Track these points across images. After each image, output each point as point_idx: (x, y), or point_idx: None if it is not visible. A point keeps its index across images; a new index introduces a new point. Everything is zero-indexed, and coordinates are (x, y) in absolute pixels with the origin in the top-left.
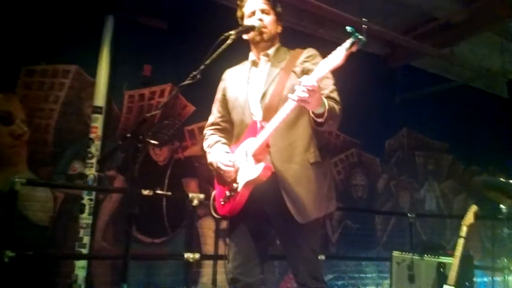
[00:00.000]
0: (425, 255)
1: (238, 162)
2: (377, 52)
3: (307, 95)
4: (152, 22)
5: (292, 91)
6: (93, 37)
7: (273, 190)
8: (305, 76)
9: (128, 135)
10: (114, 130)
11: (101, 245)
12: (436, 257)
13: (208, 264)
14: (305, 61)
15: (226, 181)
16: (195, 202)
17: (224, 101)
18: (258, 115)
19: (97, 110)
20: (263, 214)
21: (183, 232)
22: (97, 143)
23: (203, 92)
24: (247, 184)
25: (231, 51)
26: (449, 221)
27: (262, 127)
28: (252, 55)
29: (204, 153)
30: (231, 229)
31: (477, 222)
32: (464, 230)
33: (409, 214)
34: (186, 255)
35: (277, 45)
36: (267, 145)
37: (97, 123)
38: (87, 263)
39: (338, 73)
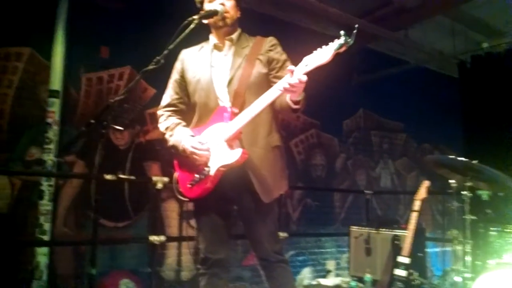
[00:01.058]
0: (381, 229)
1: (210, 146)
2: (335, 35)
3: (298, 86)
4: (109, 2)
5: (258, 78)
6: (47, 18)
7: (240, 172)
8: (296, 68)
9: (92, 121)
10: (73, 115)
11: (63, 231)
12: (391, 230)
13: (172, 246)
14: (269, 50)
15: (193, 164)
16: (159, 185)
17: (183, 83)
18: (225, 100)
19: (54, 94)
20: (227, 195)
21: (146, 215)
22: (55, 128)
23: (164, 74)
24: (221, 168)
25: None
26: (402, 197)
27: (233, 113)
28: (213, 39)
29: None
30: (199, 211)
31: (429, 197)
32: (417, 204)
33: (365, 191)
34: (151, 237)
35: (239, 30)
36: (241, 131)
37: (54, 108)
38: (49, 250)
39: (298, 56)
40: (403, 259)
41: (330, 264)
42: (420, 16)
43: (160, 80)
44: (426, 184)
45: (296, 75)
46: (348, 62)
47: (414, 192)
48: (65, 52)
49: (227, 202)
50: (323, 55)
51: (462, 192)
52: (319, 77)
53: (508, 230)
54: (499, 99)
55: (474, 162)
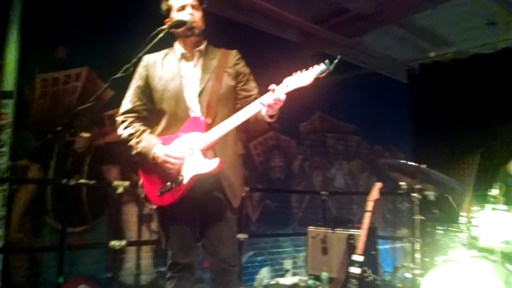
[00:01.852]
0: (337, 229)
1: (183, 155)
2: (293, 39)
3: (278, 103)
4: (66, 1)
5: (227, 90)
6: None
7: (211, 179)
8: (278, 87)
9: (59, 128)
10: (27, 117)
11: (17, 237)
12: (346, 230)
13: (131, 250)
14: (236, 64)
15: (161, 172)
16: (120, 189)
17: (147, 90)
18: (196, 111)
19: (7, 95)
20: (196, 201)
21: (105, 219)
22: (8, 130)
23: (123, 76)
24: (195, 176)
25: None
26: (355, 196)
27: (207, 124)
28: (180, 48)
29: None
30: (167, 217)
31: (380, 197)
32: (370, 205)
33: (322, 192)
34: (113, 242)
35: (205, 41)
36: (216, 142)
37: (7, 109)
38: (3, 257)
39: (257, 59)
40: (357, 257)
41: (288, 264)
42: (374, 24)
43: (118, 82)
44: (378, 185)
45: (277, 94)
46: (305, 66)
47: (366, 192)
48: (19, 52)
49: (195, 208)
50: (304, 78)
51: (412, 194)
52: (277, 81)
53: (453, 229)
54: (445, 105)
55: (423, 166)
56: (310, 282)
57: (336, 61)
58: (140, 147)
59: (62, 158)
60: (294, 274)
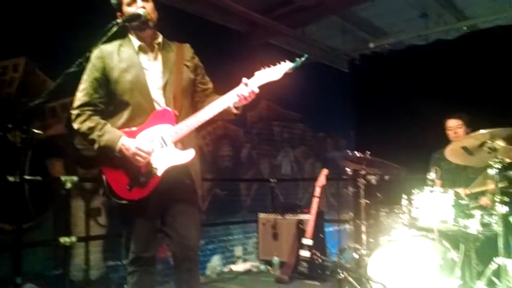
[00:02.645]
0: (286, 215)
1: (154, 147)
2: (240, 29)
3: (251, 96)
4: None
5: (188, 83)
6: None
7: (180, 170)
8: (249, 81)
9: (9, 125)
10: None
11: None
12: (296, 215)
13: (79, 245)
14: (193, 57)
15: (128, 165)
16: (68, 185)
17: (105, 82)
18: (161, 103)
19: None
20: (159, 193)
21: (50, 215)
22: None
23: (63, 67)
24: (169, 168)
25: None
26: (300, 182)
27: (175, 116)
28: (136, 41)
29: (70, 132)
30: (133, 210)
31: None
32: (318, 191)
33: (271, 180)
34: (62, 239)
35: (160, 35)
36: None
37: None
38: None
39: (203, 49)
40: (306, 241)
41: (238, 250)
42: (316, 15)
43: (59, 72)
44: (325, 172)
45: (250, 87)
46: (251, 56)
47: (312, 178)
48: None
49: (159, 200)
50: (275, 73)
51: (358, 179)
52: (224, 70)
53: (395, 211)
54: (384, 93)
55: (367, 153)
56: (262, 267)
57: (303, 59)
58: (104, 140)
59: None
60: (245, 261)
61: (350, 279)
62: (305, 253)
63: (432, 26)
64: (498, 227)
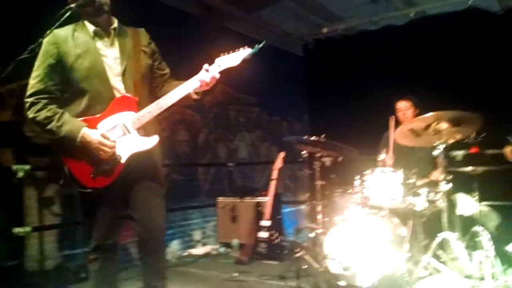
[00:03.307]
0: (245, 198)
1: (112, 134)
2: (194, 12)
3: (212, 81)
4: None
5: (146, 69)
6: None
7: (144, 155)
8: (210, 67)
9: None
10: None
11: None
12: (254, 198)
13: (33, 235)
14: (150, 43)
15: (91, 154)
16: (21, 174)
17: (60, 68)
18: (121, 90)
19: None
20: (129, 179)
21: (2, 205)
22: None
23: (8, 52)
24: (132, 155)
25: None
26: (256, 166)
27: (137, 102)
28: (91, 26)
29: (18, 119)
30: (96, 199)
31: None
32: (275, 174)
33: (228, 164)
34: (17, 229)
35: (116, 20)
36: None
37: None
38: None
39: (158, 32)
40: (265, 223)
41: (197, 235)
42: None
43: (4, 57)
44: (281, 155)
45: (211, 73)
46: (208, 40)
47: (268, 161)
48: None
49: (122, 186)
50: (234, 59)
51: (314, 162)
52: (181, 55)
53: (349, 191)
54: (337, 77)
55: (322, 136)
56: (222, 249)
57: (260, 45)
58: (64, 131)
59: None
60: (204, 244)
61: (307, 257)
62: (263, 234)
63: (382, 11)
64: (442, 204)
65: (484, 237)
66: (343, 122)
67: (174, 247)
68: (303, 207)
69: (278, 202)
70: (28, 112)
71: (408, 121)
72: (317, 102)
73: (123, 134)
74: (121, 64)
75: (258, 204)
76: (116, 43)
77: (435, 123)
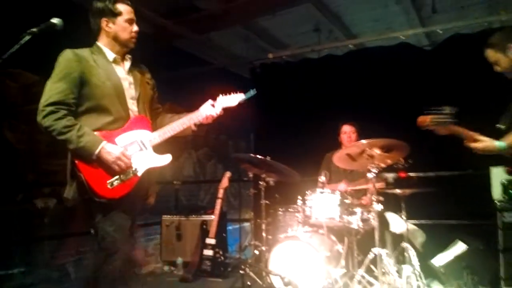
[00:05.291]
0: (191, 216)
1: (129, 149)
2: (146, 31)
3: (215, 117)
4: None
5: (151, 98)
6: None
7: (148, 174)
8: (215, 103)
9: None
10: None
11: None
12: (199, 216)
13: None
14: (151, 78)
15: (110, 167)
16: None
17: (80, 84)
18: (135, 112)
19: None
20: (138, 194)
21: None
22: None
23: None
24: (148, 169)
25: None
26: (202, 184)
27: (150, 124)
28: (110, 52)
29: None
30: (112, 210)
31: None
32: (221, 192)
33: (175, 182)
34: None
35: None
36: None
37: None
38: None
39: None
40: (210, 241)
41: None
42: (223, 24)
43: None
44: (227, 174)
45: (217, 109)
46: (158, 59)
47: (214, 179)
48: None
49: (137, 201)
50: (233, 100)
51: (259, 182)
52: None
53: (291, 210)
54: (282, 101)
55: (268, 158)
56: (166, 268)
57: (252, 92)
58: (84, 141)
59: None
60: (146, 263)
61: (251, 273)
62: (208, 252)
63: (324, 41)
64: (375, 222)
65: (411, 253)
66: (287, 144)
67: None
68: (247, 224)
69: (223, 220)
70: (45, 120)
71: (345, 147)
72: (262, 123)
73: (140, 150)
74: (135, 89)
75: (204, 222)
76: (130, 71)
77: (369, 149)
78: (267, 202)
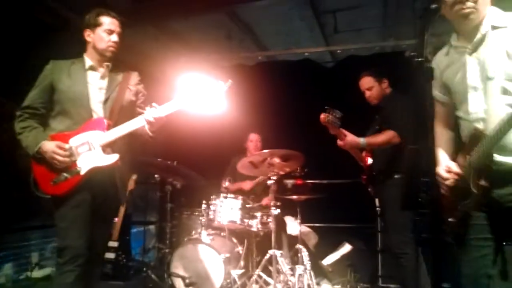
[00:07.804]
0: None
1: (80, 149)
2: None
3: (158, 121)
4: None
5: (128, 103)
6: None
7: (107, 173)
8: (158, 107)
9: None
10: None
11: None
12: None
13: None
14: (138, 84)
15: (52, 164)
16: None
17: (51, 90)
18: (99, 114)
19: None
20: (94, 191)
21: None
22: None
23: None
24: (92, 168)
25: None
26: None
27: (108, 125)
28: (89, 61)
29: None
30: (70, 205)
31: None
32: (126, 195)
33: None
34: None
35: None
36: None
37: None
38: None
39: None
40: (112, 243)
41: (34, 257)
42: (132, 23)
43: None
44: (133, 177)
45: (159, 112)
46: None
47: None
48: None
49: (94, 198)
50: (164, 111)
51: (166, 186)
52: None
53: (196, 213)
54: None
55: (175, 162)
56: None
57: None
58: (27, 141)
59: None
60: (42, 267)
61: (153, 276)
62: (110, 255)
63: (235, 49)
64: (272, 225)
65: (304, 254)
66: (193, 149)
67: (7, 270)
68: (152, 227)
69: (127, 223)
70: (14, 122)
71: (250, 154)
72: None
73: (88, 150)
74: (106, 94)
75: None
76: (107, 77)
77: (269, 158)
78: (172, 205)
